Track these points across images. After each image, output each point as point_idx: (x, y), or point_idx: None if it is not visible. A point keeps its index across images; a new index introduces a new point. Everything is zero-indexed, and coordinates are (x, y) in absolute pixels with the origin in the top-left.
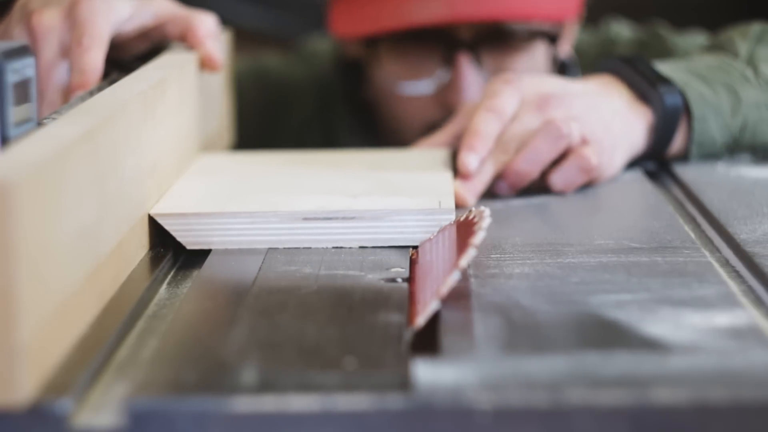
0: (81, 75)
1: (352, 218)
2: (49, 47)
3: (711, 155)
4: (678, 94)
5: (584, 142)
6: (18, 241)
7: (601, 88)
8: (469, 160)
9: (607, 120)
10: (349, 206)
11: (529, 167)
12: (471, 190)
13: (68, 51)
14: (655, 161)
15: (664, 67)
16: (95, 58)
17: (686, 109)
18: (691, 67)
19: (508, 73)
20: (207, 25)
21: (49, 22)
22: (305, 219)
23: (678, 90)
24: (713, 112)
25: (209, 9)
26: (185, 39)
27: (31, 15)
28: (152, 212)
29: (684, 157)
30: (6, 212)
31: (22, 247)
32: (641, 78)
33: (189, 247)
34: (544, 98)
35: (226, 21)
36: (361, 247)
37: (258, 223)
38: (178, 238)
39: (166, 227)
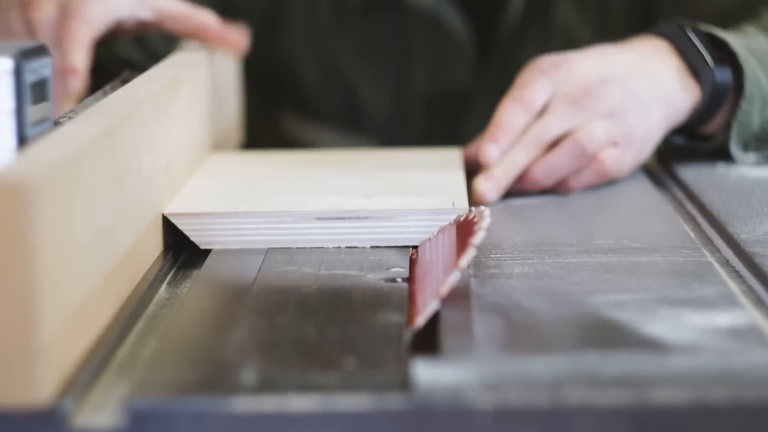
0: (66, 57)
1: (366, 218)
2: (46, 42)
3: (744, 141)
4: (728, 70)
5: (612, 144)
6: (38, 241)
7: (647, 62)
8: (491, 151)
9: (647, 106)
10: (362, 206)
11: (544, 179)
12: (494, 188)
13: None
14: (686, 136)
15: (728, 37)
16: (81, 38)
17: (735, 88)
18: (750, 44)
19: (545, 57)
20: (213, 19)
21: (47, 17)
22: (319, 219)
23: (729, 67)
24: (760, 98)
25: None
26: (196, 36)
27: (28, 7)
28: (166, 212)
29: (718, 137)
30: (26, 213)
31: (41, 248)
32: (695, 50)
33: (202, 246)
34: (579, 93)
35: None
36: (372, 247)
37: (271, 223)
38: (192, 238)
39: (180, 227)
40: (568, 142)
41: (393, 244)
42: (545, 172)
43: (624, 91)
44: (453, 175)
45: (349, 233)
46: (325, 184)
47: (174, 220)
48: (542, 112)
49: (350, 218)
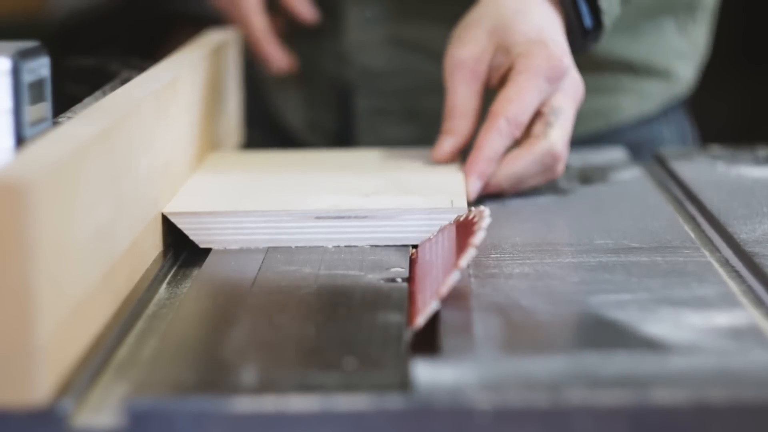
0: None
1: (365, 217)
2: None
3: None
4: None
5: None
6: (35, 241)
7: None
8: (475, 188)
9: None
10: (361, 205)
11: (508, 186)
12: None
13: None
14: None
15: None
16: None
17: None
18: None
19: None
20: (266, 35)
21: None
22: (318, 218)
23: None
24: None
25: (211, 9)
26: (249, 42)
27: None
28: (165, 211)
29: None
30: (24, 212)
31: (39, 247)
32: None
33: (202, 245)
34: (546, 67)
35: (225, 19)
36: (370, 246)
37: (271, 222)
38: (191, 237)
39: (179, 226)
40: (541, 151)
41: (392, 243)
42: (510, 182)
43: (560, 49)
44: (451, 175)
45: (349, 232)
46: (324, 184)
47: (173, 219)
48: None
49: (349, 217)
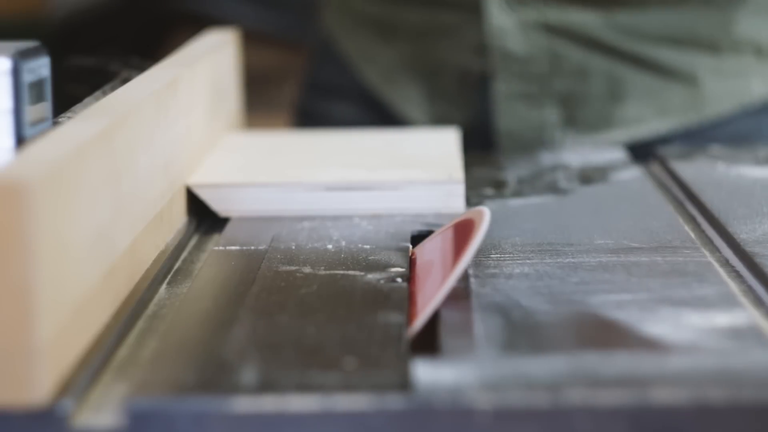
0: None
1: (371, 189)
2: None
3: None
4: None
5: None
6: (35, 241)
7: None
8: None
9: None
10: (367, 178)
11: None
12: None
13: None
14: None
15: None
16: None
17: None
18: None
19: None
20: None
21: None
22: (328, 189)
23: None
24: None
25: (211, 9)
26: None
27: None
28: (189, 183)
29: None
30: (23, 212)
31: (39, 248)
32: None
33: (222, 214)
34: None
35: (227, 21)
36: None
37: (285, 192)
38: (212, 206)
39: (202, 196)
40: None
41: (396, 212)
42: None
43: None
44: (449, 152)
45: (356, 203)
46: (332, 160)
47: (196, 191)
48: None
49: (357, 189)
